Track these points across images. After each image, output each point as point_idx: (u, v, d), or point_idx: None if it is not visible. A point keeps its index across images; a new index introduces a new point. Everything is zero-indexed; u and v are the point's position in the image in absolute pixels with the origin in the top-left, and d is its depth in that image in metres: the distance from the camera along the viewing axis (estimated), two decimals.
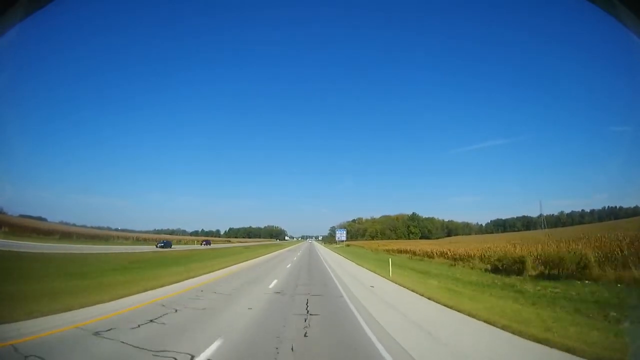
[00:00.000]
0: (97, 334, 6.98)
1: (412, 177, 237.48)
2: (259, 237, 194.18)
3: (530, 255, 25.94)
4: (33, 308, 8.56)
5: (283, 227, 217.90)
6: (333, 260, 35.48)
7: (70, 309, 9.03)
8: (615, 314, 9.22)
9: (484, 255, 30.98)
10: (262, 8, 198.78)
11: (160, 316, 8.87)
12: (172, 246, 53.49)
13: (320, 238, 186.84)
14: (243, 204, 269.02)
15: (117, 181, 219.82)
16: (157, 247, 48.38)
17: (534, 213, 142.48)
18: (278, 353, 6.01)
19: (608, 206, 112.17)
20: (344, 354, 6.26)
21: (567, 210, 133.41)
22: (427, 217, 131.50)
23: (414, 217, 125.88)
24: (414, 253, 42.76)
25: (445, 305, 11.42)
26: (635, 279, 14.94)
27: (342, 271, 22.59)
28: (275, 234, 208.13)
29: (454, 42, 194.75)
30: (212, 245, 78.57)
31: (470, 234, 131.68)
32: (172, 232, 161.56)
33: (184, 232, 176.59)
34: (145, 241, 71.86)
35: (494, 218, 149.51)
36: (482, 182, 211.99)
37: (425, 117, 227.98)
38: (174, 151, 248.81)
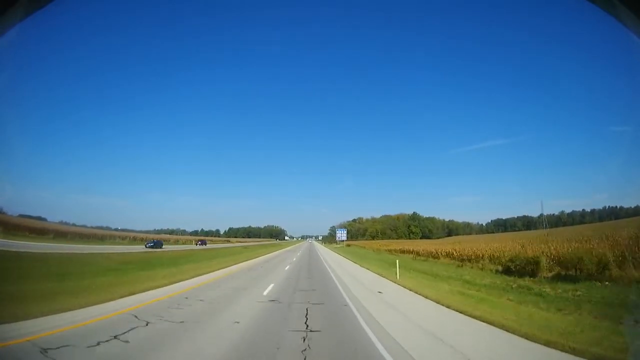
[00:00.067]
0: (43, 351, 5.53)
1: (412, 177, 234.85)
2: (259, 237, 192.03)
3: (544, 255, 24.59)
4: None
5: (283, 227, 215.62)
6: (334, 261, 33.56)
7: (27, 318, 7.59)
8: None
9: (493, 256, 29.34)
10: (262, 8, 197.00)
11: (127, 331, 7.18)
12: (163, 246, 50.17)
13: (320, 238, 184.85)
14: (243, 204, 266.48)
15: (117, 181, 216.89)
16: (146, 247, 44.21)
17: (534, 213, 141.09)
18: None
19: (609, 206, 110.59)
20: None
21: (568, 210, 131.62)
22: (427, 216, 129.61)
23: (414, 217, 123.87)
24: (418, 253, 40.95)
25: (467, 315, 9.76)
26: None
27: (345, 274, 20.76)
28: (275, 234, 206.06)
29: (454, 42, 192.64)
30: (209, 246, 76.04)
31: (470, 234, 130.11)
32: (171, 232, 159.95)
33: (183, 232, 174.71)
34: (143, 241, 68.52)
35: (494, 218, 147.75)
36: (482, 182, 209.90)
37: (425, 117, 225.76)
38: (174, 151, 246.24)
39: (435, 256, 36.44)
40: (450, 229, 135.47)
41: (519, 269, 22.77)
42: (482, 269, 27.33)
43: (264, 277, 18.14)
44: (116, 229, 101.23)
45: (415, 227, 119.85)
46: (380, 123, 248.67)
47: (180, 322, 8.27)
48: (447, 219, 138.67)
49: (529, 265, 22.74)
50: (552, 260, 22.09)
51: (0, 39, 2.14)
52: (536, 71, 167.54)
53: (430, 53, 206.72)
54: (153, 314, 9.00)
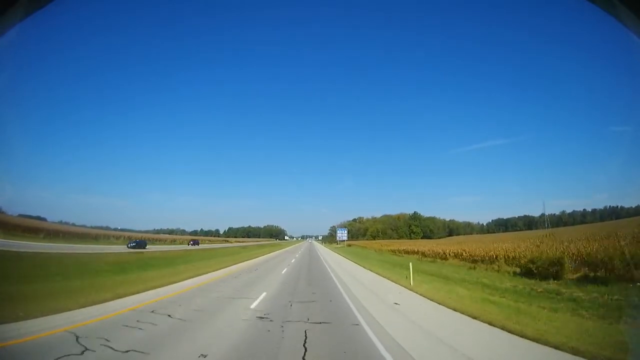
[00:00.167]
0: None
1: (413, 177, 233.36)
2: (259, 237, 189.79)
3: (567, 255, 22.40)
4: None
5: (283, 227, 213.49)
6: (336, 263, 30.81)
7: None
8: None
9: (508, 256, 26.88)
10: (262, 8, 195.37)
11: None
12: (147, 246, 45.92)
13: (320, 238, 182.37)
14: (243, 204, 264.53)
15: (117, 181, 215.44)
16: (128, 247, 39.90)
17: (535, 212, 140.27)
18: None
19: (609, 205, 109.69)
20: None
21: (568, 210, 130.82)
22: (428, 216, 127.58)
23: (415, 217, 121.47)
24: (424, 254, 38.34)
25: (508, 331, 7.63)
26: None
27: (350, 278, 18.07)
28: (274, 234, 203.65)
29: (454, 42, 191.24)
30: (205, 246, 72.62)
31: (471, 234, 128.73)
32: (171, 232, 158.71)
33: (183, 232, 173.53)
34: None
35: (495, 217, 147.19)
36: (482, 181, 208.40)
37: (425, 117, 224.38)
38: (174, 151, 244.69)
39: (442, 257, 33.89)
40: (451, 229, 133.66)
41: (541, 271, 20.69)
42: (498, 271, 24.99)
43: (256, 282, 15.47)
44: (116, 229, 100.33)
45: (416, 227, 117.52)
46: (380, 123, 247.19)
47: (125, 351, 5.73)
48: (447, 219, 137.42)
49: (552, 267, 20.79)
50: (575, 261, 20.62)
51: (0, 39, 2.11)
52: (536, 71, 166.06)
53: (430, 53, 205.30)
54: (98, 336, 6.56)
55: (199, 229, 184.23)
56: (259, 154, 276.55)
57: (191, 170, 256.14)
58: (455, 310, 10.06)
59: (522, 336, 7.34)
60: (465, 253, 31.31)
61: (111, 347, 5.98)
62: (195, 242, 71.63)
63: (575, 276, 18.98)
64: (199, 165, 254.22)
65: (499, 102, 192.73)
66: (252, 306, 9.74)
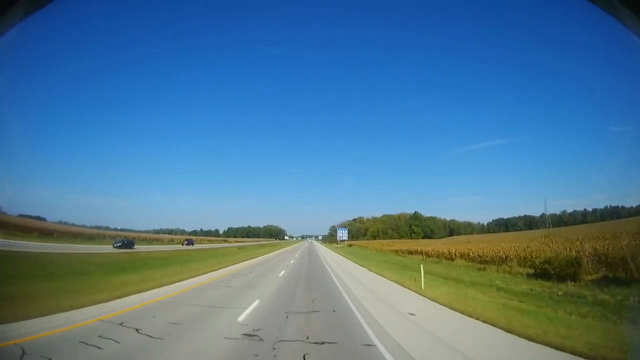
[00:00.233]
0: None
1: (413, 177, 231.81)
2: (258, 237, 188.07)
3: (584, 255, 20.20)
4: None
5: (283, 227, 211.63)
6: (338, 264, 28.97)
7: None
8: None
9: (519, 256, 25.29)
10: (262, 8, 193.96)
11: None
12: (137, 246, 43.51)
13: (320, 238, 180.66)
14: (243, 204, 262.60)
15: (117, 181, 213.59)
16: (114, 247, 37.14)
17: (535, 212, 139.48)
18: None
19: (610, 205, 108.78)
20: None
21: (569, 210, 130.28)
22: (429, 216, 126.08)
23: (416, 216, 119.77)
24: (428, 254, 36.64)
25: (557, 348, 6.25)
26: None
27: (354, 282, 16.28)
28: (274, 234, 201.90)
29: (454, 42, 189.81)
30: (200, 246, 70.36)
31: (472, 234, 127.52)
32: (171, 232, 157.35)
33: (182, 232, 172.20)
34: (140, 240, 66.71)
35: (495, 217, 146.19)
36: (482, 181, 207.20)
37: (425, 117, 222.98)
38: (174, 151, 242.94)
39: (448, 257, 32.21)
40: (452, 229, 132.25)
41: (558, 272, 18.66)
42: (509, 273, 23.43)
43: (249, 288, 13.63)
44: (115, 229, 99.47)
45: (416, 227, 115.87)
46: (380, 123, 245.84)
47: None
48: (448, 219, 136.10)
49: (570, 267, 19.37)
50: (593, 261, 19.50)
51: (0, 39, 2.10)
52: (536, 71, 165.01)
53: (430, 53, 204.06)
54: (43, 354, 4.92)
55: (199, 229, 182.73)
56: (259, 154, 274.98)
57: (191, 170, 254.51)
58: (479, 320, 8.43)
59: (576, 354, 5.82)
60: (473, 253, 29.65)
61: None
62: (190, 242, 68.18)
63: (592, 277, 17.83)
64: (199, 165, 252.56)
65: (499, 102, 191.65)
66: (240, 319, 7.96)
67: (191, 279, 15.41)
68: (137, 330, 7.11)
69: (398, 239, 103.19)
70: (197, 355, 5.54)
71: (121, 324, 7.60)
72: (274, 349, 5.84)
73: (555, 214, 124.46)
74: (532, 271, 22.20)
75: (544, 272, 20.82)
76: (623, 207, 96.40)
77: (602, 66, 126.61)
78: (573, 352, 6.13)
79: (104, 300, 9.78)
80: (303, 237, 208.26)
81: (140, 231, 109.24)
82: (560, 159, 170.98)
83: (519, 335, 7.27)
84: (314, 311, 8.87)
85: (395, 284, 15.13)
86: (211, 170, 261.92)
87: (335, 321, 8.03)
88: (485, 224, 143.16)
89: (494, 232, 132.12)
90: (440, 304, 10.64)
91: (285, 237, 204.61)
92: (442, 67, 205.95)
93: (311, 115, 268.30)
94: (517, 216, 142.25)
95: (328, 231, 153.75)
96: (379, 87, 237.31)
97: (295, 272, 20.70)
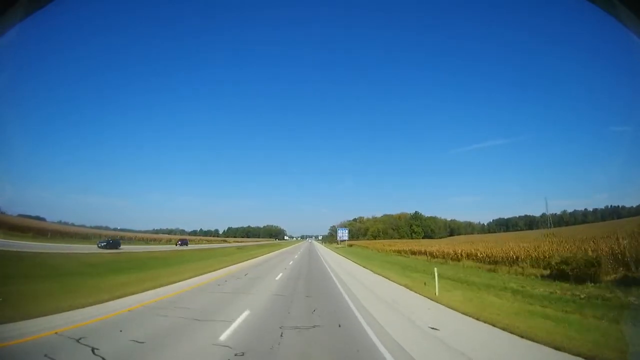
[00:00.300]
0: None
1: (413, 177, 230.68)
2: (258, 237, 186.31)
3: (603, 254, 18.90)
4: None
5: (283, 227, 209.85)
6: (339, 266, 27.28)
7: None
8: None
9: (531, 256, 23.77)
10: (262, 8, 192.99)
11: None
12: (125, 246, 41.82)
13: (320, 238, 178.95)
14: (243, 204, 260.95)
15: (117, 181, 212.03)
16: (98, 247, 35.08)
17: (536, 212, 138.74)
18: None
19: (610, 205, 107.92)
20: None
21: (569, 210, 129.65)
22: (429, 216, 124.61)
23: (416, 216, 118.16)
24: (432, 254, 35.03)
25: None
26: None
27: (359, 287, 14.49)
28: (274, 234, 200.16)
29: (454, 42, 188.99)
30: (199, 246, 68.36)
31: (472, 233, 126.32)
32: (170, 232, 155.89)
33: (182, 232, 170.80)
34: (140, 240, 66.93)
35: (495, 217, 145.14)
36: (482, 181, 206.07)
37: (425, 117, 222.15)
38: (174, 151, 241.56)
39: (454, 258, 30.60)
40: (452, 229, 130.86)
41: (576, 273, 17.35)
42: (522, 274, 21.91)
43: (241, 293, 11.97)
44: (115, 229, 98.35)
45: (417, 227, 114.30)
46: (380, 123, 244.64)
47: None
48: (448, 219, 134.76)
49: (589, 268, 17.77)
50: (610, 261, 18.24)
51: (0, 39, 2.08)
52: (536, 71, 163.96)
53: (430, 53, 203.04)
54: None
55: (199, 229, 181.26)
56: (259, 154, 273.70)
57: (191, 170, 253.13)
58: (516, 334, 6.92)
59: None
60: (480, 253, 28.07)
61: None
62: (184, 242, 64.85)
63: (610, 278, 16.70)
64: (199, 165, 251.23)
65: (499, 102, 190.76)
66: (223, 337, 6.35)
67: (178, 283, 13.66)
68: (93, 350, 5.58)
69: (399, 239, 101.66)
70: None
71: (79, 340, 6.09)
72: None
73: (555, 213, 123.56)
74: (546, 272, 20.86)
75: (560, 273, 19.55)
76: (623, 207, 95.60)
77: (602, 66, 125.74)
78: None
79: (70, 308, 8.23)
80: (303, 237, 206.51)
81: (140, 231, 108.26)
82: (560, 159, 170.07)
83: (570, 353, 5.80)
84: (314, 326, 7.19)
85: (405, 289, 13.53)
86: (211, 170, 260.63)
87: (343, 340, 6.37)
88: (485, 224, 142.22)
89: (495, 232, 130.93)
90: (462, 313, 9.08)
91: (285, 237, 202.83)
92: (442, 67, 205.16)
93: (311, 115, 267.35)
94: (517, 216, 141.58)
95: (328, 231, 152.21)
96: (379, 87, 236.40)
97: (294, 274, 18.99)
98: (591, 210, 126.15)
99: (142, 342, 6.04)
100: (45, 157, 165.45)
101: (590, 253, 20.05)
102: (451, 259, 30.87)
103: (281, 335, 6.47)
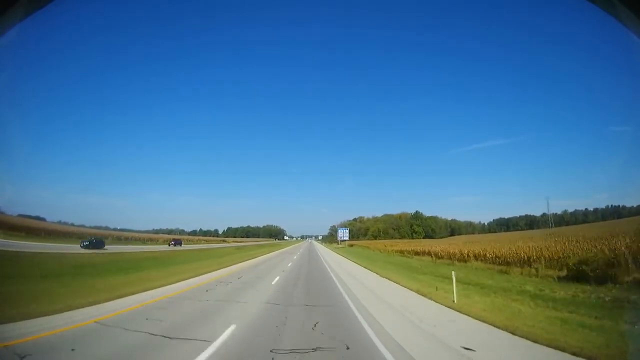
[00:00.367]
0: None
1: (413, 177, 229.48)
2: (258, 237, 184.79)
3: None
4: None
5: (283, 227, 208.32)
6: (342, 268, 25.62)
7: None
8: None
9: (544, 257, 22.30)
10: (262, 8, 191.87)
11: None
12: (112, 246, 39.90)
13: (320, 238, 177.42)
14: (243, 204, 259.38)
15: (117, 181, 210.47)
16: (81, 246, 33.10)
17: (536, 212, 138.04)
18: None
19: (611, 205, 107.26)
20: None
21: (570, 210, 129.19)
22: (430, 215, 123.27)
23: (417, 216, 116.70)
24: (437, 255, 33.51)
25: None
26: None
27: (366, 292, 12.67)
28: (274, 234, 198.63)
29: (454, 42, 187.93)
30: (195, 246, 66.38)
31: (473, 233, 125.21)
32: (170, 232, 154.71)
33: (182, 232, 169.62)
34: (138, 240, 65.89)
35: (496, 217, 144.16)
36: (483, 181, 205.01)
37: (425, 117, 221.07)
38: (174, 151, 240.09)
39: (461, 259, 29.08)
40: (453, 229, 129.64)
41: (597, 274, 16.27)
42: (536, 276, 20.51)
43: (229, 302, 10.11)
44: (115, 229, 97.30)
45: (418, 227, 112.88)
46: (380, 123, 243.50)
47: None
48: (449, 219, 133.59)
49: (610, 268, 16.38)
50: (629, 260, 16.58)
51: (0, 39, 2.06)
52: (536, 71, 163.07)
53: (430, 53, 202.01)
54: None
55: (198, 229, 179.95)
56: (259, 154, 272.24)
57: (191, 170, 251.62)
58: (560, 349, 5.44)
59: None
60: (489, 254, 26.55)
61: None
62: (178, 242, 61.63)
63: (630, 278, 15.48)
64: (199, 165, 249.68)
65: (499, 102, 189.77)
66: None
67: (154, 291, 11.63)
68: None
69: (399, 238, 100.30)
70: None
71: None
72: None
73: (556, 213, 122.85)
74: (562, 273, 19.46)
75: (578, 274, 18.23)
76: (624, 207, 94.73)
77: (602, 66, 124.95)
78: None
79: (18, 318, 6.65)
80: (303, 237, 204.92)
81: (139, 231, 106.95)
82: (560, 158, 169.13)
83: None
84: (316, 348, 5.54)
85: (418, 295, 11.97)
86: (211, 170, 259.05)
87: None
88: (486, 224, 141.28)
89: (495, 231, 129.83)
90: (491, 324, 7.56)
91: (285, 237, 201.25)
92: (442, 67, 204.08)
93: (311, 115, 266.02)
94: (517, 216, 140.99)
95: (328, 231, 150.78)
96: (379, 87, 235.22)
97: (293, 278, 17.37)
98: (592, 210, 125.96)
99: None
100: (45, 157, 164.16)
101: (607, 252, 18.81)
102: (457, 259, 29.36)
103: None
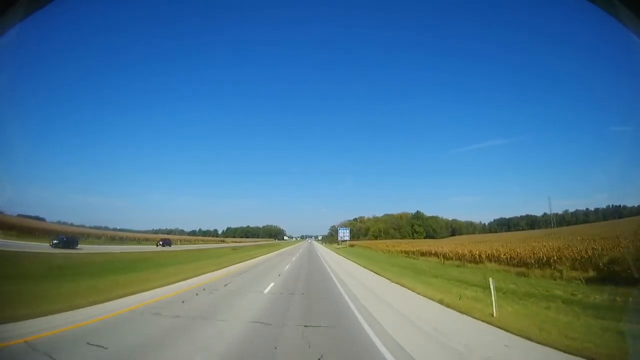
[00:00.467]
0: None
1: (413, 177, 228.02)
2: (257, 237, 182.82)
3: None
4: None
5: (282, 227, 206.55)
6: (345, 271, 23.29)
7: None
8: None
9: (566, 257, 20.32)
10: (262, 8, 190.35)
11: None
12: (89, 245, 36.96)
13: (320, 238, 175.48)
14: (242, 204, 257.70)
15: (117, 181, 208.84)
16: (50, 245, 30.38)
17: (537, 212, 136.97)
18: None
19: (612, 205, 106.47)
20: None
21: (570, 210, 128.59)
22: (431, 215, 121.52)
23: (418, 216, 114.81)
24: (445, 256, 31.39)
25: None
26: None
27: (380, 304, 9.82)
28: (273, 234, 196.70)
29: (454, 42, 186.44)
30: (187, 247, 63.59)
31: (474, 233, 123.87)
32: (170, 232, 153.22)
33: (182, 232, 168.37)
34: (138, 240, 64.87)
35: (496, 217, 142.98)
36: (483, 181, 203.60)
37: (425, 117, 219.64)
38: (174, 151, 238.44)
39: (472, 260, 26.98)
40: (454, 228, 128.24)
41: (630, 274, 14.66)
42: (560, 278, 18.56)
43: (203, 322, 7.52)
44: (115, 229, 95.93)
45: (419, 227, 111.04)
46: (380, 123, 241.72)
47: None
48: (449, 219, 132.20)
49: None
50: None
51: (0, 39, 2.06)
52: (536, 71, 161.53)
53: (430, 53, 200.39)
54: None
55: (198, 229, 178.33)
56: (259, 154, 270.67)
57: (191, 170, 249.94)
58: None
59: None
60: (504, 255, 24.50)
61: None
62: (167, 243, 57.93)
63: None
64: (199, 165, 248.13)
65: (499, 102, 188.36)
66: None
67: (114, 302, 9.20)
68: None
69: (400, 238, 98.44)
70: None
71: None
72: None
73: (557, 213, 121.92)
74: (589, 275, 17.56)
75: (608, 275, 16.48)
76: (625, 207, 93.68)
77: (602, 66, 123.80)
78: None
79: None
80: (303, 237, 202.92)
81: (139, 231, 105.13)
82: (560, 158, 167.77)
83: None
84: None
85: (442, 306, 9.79)
86: (211, 170, 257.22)
87: None
88: (486, 224, 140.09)
89: (496, 231, 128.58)
90: (558, 349, 5.47)
91: (285, 237, 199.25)
92: (442, 67, 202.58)
93: (311, 115, 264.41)
94: (518, 216, 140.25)
95: (328, 231, 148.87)
96: (379, 87, 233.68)
97: (290, 282, 15.11)
98: (592, 209, 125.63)
99: None
100: (45, 157, 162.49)
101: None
102: (468, 261, 27.26)
103: None
